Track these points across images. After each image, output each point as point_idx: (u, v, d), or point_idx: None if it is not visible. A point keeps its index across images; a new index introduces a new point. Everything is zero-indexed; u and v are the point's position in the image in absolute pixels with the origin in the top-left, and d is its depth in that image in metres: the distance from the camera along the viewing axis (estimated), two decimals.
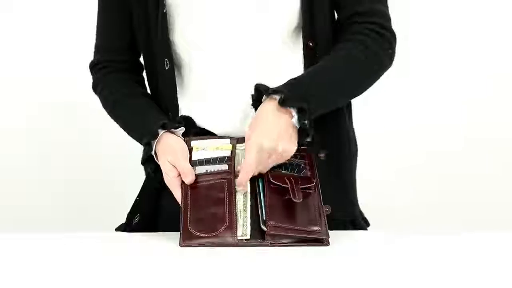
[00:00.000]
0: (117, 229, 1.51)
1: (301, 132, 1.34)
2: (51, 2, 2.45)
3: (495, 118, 2.58)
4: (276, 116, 1.32)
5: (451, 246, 1.29)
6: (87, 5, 2.34)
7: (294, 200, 1.26)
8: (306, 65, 1.44)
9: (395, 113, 2.46)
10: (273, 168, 1.34)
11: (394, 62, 1.45)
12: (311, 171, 1.35)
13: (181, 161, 1.36)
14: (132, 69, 1.59)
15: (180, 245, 1.27)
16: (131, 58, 1.58)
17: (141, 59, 1.59)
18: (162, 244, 1.30)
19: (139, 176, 1.62)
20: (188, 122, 1.46)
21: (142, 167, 1.58)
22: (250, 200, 1.31)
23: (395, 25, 1.46)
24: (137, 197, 1.51)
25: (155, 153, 1.41)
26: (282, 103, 1.31)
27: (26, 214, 2.42)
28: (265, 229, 1.27)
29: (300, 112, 1.32)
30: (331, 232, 1.28)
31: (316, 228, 1.27)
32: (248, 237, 1.27)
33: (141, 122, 1.46)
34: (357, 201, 1.54)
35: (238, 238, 1.27)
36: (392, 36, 1.43)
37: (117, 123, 1.53)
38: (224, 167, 1.35)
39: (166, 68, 1.46)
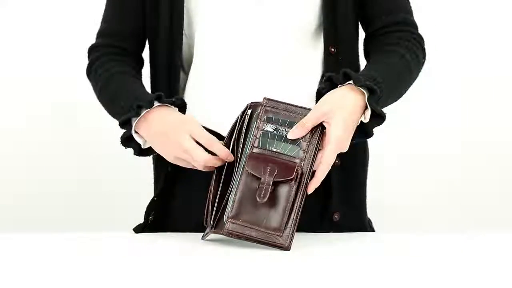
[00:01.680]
0: (135, 229, 1.48)
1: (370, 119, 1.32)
2: (51, 1, 2.45)
3: (490, 121, 2.59)
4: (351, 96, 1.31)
5: (443, 246, 1.30)
6: (87, 4, 2.35)
7: (258, 199, 1.24)
8: (326, 70, 1.44)
9: (392, 116, 2.47)
10: (264, 137, 1.28)
11: None
12: (307, 146, 1.27)
13: (211, 138, 1.32)
14: (132, 59, 1.54)
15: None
16: (132, 48, 1.53)
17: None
18: (169, 244, 1.31)
19: (140, 176, 1.62)
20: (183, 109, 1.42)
21: (142, 167, 1.58)
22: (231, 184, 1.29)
23: None
24: (154, 197, 1.49)
25: (137, 133, 1.38)
26: (356, 83, 1.31)
27: (26, 215, 2.41)
28: (226, 224, 1.25)
29: (371, 93, 1.31)
30: (332, 234, 1.28)
31: (277, 233, 1.23)
32: (212, 227, 1.27)
33: (133, 93, 1.42)
34: (366, 208, 1.55)
35: (209, 228, 1.27)
36: (424, 44, 1.49)
37: (104, 99, 1.48)
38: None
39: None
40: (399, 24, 1.47)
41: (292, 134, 1.27)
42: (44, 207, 2.45)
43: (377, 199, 1.71)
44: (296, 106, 1.30)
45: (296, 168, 1.25)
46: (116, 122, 1.43)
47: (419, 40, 1.48)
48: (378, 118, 1.33)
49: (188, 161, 1.33)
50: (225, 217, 1.26)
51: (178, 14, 1.44)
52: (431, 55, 2.35)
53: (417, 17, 1.51)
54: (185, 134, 1.33)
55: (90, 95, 1.59)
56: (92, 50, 1.54)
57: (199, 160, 1.31)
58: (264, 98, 1.31)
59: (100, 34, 1.55)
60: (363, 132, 1.35)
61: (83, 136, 2.48)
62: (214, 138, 1.33)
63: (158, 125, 1.36)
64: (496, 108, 2.58)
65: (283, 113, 1.30)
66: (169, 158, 1.36)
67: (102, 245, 1.31)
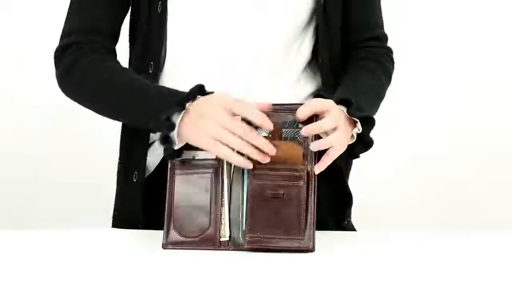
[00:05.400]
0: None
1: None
2: (51, 2, 2.45)
3: (478, 123, 2.60)
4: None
5: (435, 247, 1.30)
6: None
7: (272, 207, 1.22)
8: (323, 79, 1.45)
9: (382, 118, 2.48)
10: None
11: None
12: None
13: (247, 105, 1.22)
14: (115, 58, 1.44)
15: (163, 247, 1.25)
16: (112, 46, 1.44)
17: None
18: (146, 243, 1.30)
19: None
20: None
21: None
22: (236, 194, 1.26)
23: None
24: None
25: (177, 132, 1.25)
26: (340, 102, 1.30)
27: (26, 215, 2.42)
28: (242, 240, 1.24)
29: (347, 105, 1.30)
30: (321, 232, 1.28)
31: (298, 237, 1.22)
32: (227, 238, 1.24)
33: (160, 92, 1.30)
34: (350, 212, 1.55)
35: (221, 239, 1.24)
36: (392, 55, 1.55)
37: (113, 97, 1.35)
38: (211, 155, 1.27)
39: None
40: (375, 40, 1.51)
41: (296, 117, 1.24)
42: (43, 208, 2.46)
43: (365, 199, 1.73)
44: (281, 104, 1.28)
45: (300, 167, 1.24)
46: (113, 124, 1.42)
47: (389, 54, 1.53)
48: (368, 123, 1.31)
49: (227, 139, 1.21)
50: (240, 232, 1.24)
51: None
52: (420, 57, 2.35)
53: (405, 23, 1.54)
54: (218, 108, 1.22)
55: None
56: (66, 50, 1.41)
57: (238, 130, 1.20)
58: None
59: (70, 32, 1.42)
60: (362, 143, 1.32)
61: (83, 137, 2.49)
62: (252, 104, 1.24)
63: (193, 113, 1.25)
64: (482, 110, 2.59)
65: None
66: (207, 143, 1.23)
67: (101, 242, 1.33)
